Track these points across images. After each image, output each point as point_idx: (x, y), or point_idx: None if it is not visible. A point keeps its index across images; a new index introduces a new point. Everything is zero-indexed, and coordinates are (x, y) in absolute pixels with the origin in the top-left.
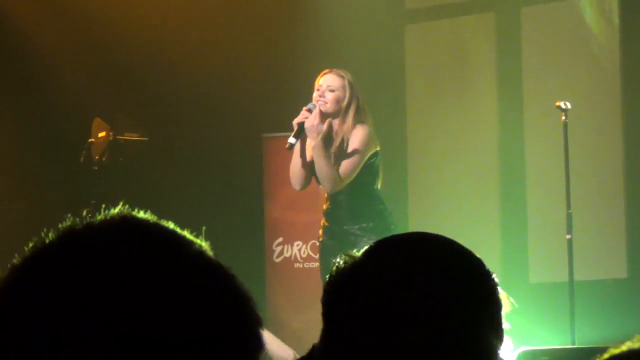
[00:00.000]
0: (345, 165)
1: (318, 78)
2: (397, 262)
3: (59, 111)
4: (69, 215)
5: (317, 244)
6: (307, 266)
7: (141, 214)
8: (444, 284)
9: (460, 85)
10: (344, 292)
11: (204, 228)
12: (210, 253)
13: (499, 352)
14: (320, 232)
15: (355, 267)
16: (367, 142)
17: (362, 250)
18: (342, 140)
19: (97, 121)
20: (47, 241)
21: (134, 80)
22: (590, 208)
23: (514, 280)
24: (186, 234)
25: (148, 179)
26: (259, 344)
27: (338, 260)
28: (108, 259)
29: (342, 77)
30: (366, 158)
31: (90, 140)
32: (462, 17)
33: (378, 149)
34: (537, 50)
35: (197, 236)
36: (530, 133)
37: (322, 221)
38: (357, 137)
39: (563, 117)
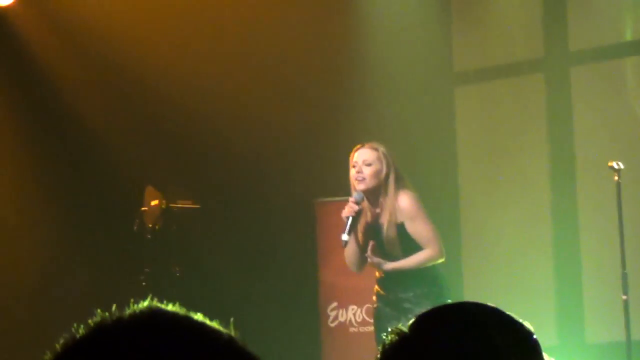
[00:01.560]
0: (420, 232)
1: (352, 154)
2: (442, 335)
3: (113, 180)
4: (99, 309)
5: (372, 308)
6: (363, 330)
7: (169, 307)
8: (487, 354)
9: (511, 147)
10: None
11: (231, 319)
12: (239, 343)
13: None
14: (374, 298)
15: (402, 341)
16: (418, 204)
17: (409, 324)
18: (390, 213)
19: (149, 189)
20: (77, 336)
21: (186, 147)
22: None
23: (570, 340)
24: (215, 324)
25: (201, 246)
26: None
27: (388, 334)
28: (136, 357)
29: (376, 149)
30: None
31: (143, 208)
32: (511, 78)
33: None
34: (588, 109)
35: (226, 326)
36: (582, 193)
37: (376, 288)
38: (406, 203)
39: (616, 177)
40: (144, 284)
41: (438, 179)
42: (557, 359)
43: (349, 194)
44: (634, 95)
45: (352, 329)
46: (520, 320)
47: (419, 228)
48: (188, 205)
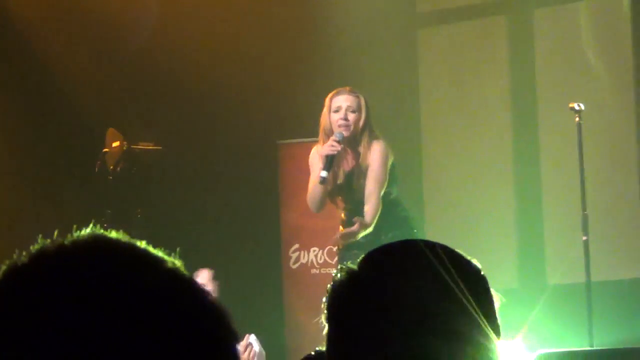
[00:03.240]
0: (372, 184)
1: (330, 96)
2: (390, 271)
3: (74, 122)
4: (40, 236)
5: (335, 250)
6: (324, 272)
7: (113, 234)
8: (435, 288)
9: (473, 88)
10: (342, 303)
11: (177, 249)
12: (183, 271)
13: (498, 346)
14: (338, 237)
15: (351, 278)
16: (386, 156)
17: (357, 261)
18: (360, 158)
19: (111, 131)
20: (18, 263)
21: (148, 89)
22: (605, 208)
23: (532, 282)
24: (159, 252)
25: (163, 188)
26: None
27: (337, 272)
28: (77, 281)
29: (358, 96)
30: (388, 170)
31: (104, 150)
32: (474, 20)
33: (393, 158)
34: (550, 51)
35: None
36: (544, 135)
37: (340, 229)
38: (376, 155)
39: (577, 118)
40: (105, 225)
41: (401, 122)
42: (519, 300)
43: (311, 135)
44: (595, 36)
45: (313, 271)
46: (469, 258)
47: (371, 181)
48: (150, 146)
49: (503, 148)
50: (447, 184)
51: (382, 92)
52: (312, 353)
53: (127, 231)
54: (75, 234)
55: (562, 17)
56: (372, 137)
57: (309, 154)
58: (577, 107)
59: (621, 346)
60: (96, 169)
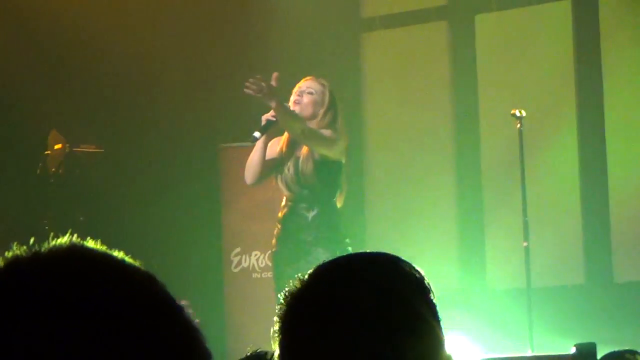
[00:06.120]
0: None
1: (298, 85)
2: (337, 284)
3: (15, 123)
4: (15, 243)
5: (272, 252)
6: (265, 276)
7: (90, 243)
8: (383, 299)
9: (416, 93)
10: (294, 315)
11: (154, 263)
12: (158, 285)
13: (446, 342)
14: (274, 241)
15: (303, 291)
16: (337, 141)
17: (308, 274)
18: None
19: (53, 133)
20: None
21: (90, 91)
22: (546, 215)
23: (473, 286)
24: (135, 264)
25: (105, 191)
26: None
27: (291, 282)
28: (53, 291)
29: (324, 84)
30: (335, 151)
31: (46, 152)
32: (417, 25)
33: (343, 160)
34: (491, 57)
35: (148, 265)
36: (486, 141)
37: (277, 230)
38: (327, 131)
39: (518, 125)
40: (46, 228)
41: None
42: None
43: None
44: (536, 43)
45: (254, 275)
46: (413, 265)
47: (320, 132)
48: (92, 149)
49: (445, 153)
50: (388, 188)
51: None
52: (249, 353)
53: (68, 234)
54: (52, 243)
55: (503, 23)
56: (332, 128)
57: None
58: (518, 114)
59: (561, 352)
60: (38, 171)
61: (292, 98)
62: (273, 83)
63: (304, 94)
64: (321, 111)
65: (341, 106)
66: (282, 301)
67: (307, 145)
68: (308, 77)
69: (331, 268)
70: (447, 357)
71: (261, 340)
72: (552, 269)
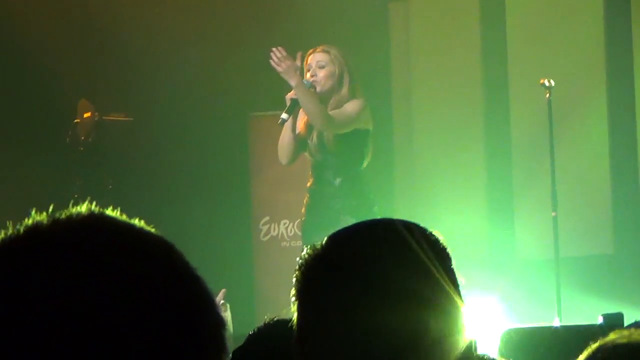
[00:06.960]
0: (339, 113)
1: (305, 59)
2: (351, 252)
3: (45, 92)
4: (33, 210)
5: (301, 221)
6: (294, 244)
7: (109, 212)
8: (400, 266)
9: (445, 64)
10: (309, 280)
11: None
12: (175, 254)
13: (464, 312)
14: (303, 210)
15: (317, 257)
16: (361, 112)
17: (323, 242)
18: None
19: (82, 102)
20: (11, 236)
21: (119, 60)
22: (575, 185)
23: (501, 257)
24: (153, 233)
25: (134, 159)
26: (221, 346)
27: (305, 249)
28: (71, 258)
29: (328, 51)
30: (359, 125)
31: (75, 120)
32: None
33: (370, 128)
34: (521, 27)
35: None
36: (515, 111)
37: (306, 199)
38: (351, 104)
39: (547, 95)
40: (75, 196)
41: (371, 96)
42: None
43: (283, 108)
44: (566, 12)
45: (283, 244)
46: (433, 232)
47: (339, 112)
48: (121, 117)
49: (474, 122)
50: (416, 158)
51: (353, 62)
52: (267, 321)
53: (97, 202)
54: (72, 210)
55: None
56: (352, 95)
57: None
58: (547, 84)
59: (588, 322)
60: (67, 140)
61: (307, 76)
62: (297, 62)
63: (316, 70)
64: (336, 78)
65: (352, 62)
66: (298, 266)
67: (327, 131)
68: (311, 50)
69: (348, 233)
70: (462, 328)
71: (289, 309)
72: (580, 239)
